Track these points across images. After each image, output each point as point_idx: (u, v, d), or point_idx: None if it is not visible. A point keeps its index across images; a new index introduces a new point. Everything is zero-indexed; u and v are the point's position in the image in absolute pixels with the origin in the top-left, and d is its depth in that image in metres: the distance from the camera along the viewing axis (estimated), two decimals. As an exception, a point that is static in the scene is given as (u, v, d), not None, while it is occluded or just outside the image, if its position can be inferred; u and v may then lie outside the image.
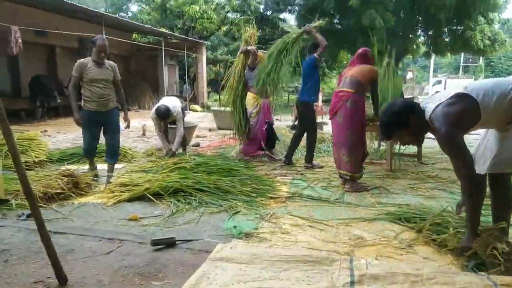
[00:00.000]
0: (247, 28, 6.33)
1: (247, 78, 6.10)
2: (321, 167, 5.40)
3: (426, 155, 6.16)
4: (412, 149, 6.01)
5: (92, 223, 3.25)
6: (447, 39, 21.25)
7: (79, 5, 11.74)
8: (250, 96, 6.08)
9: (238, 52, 6.39)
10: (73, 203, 3.79)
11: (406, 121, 2.43)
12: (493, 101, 2.27)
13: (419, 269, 2.24)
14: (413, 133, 2.49)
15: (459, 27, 20.30)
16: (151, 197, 3.78)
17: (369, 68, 4.48)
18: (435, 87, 36.62)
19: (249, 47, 6.06)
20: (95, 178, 4.51)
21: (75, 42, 13.78)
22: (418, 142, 2.68)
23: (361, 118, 4.38)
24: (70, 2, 11.09)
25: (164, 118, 5.71)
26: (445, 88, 36.34)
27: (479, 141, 2.57)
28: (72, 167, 4.75)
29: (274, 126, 6.36)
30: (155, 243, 2.69)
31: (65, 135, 8.89)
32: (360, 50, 4.68)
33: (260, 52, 6.07)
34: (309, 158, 5.50)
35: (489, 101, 2.28)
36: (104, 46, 4.33)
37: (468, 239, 2.47)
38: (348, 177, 4.30)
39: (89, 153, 4.54)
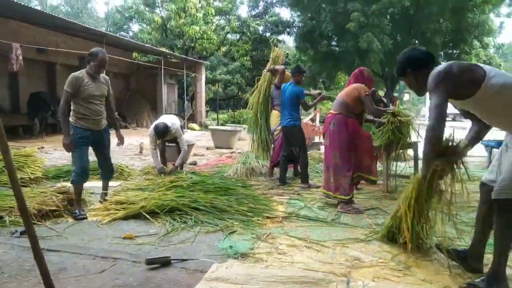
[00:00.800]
0: (275, 48, 6.67)
1: (273, 96, 6.29)
2: (318, 187, 5.38)
3: (423, 176, 6.15)
4: (408, 170, 6.01)
5: (86, 241, 3.21)
6: (443, 62, 21.55)
7: (81, 24, 11.92)
8: (275, 114, 6.21)
9: (265, 71, 6.59)
10: (67, 220, 3.76)
11: (420, 67, 2.55)
12: (499, 84, 2.26)
13: (416, 292, 2.22)
14: (422, 83, 2.55)
15: (455, 51, 20.68)
16: (147, 215, 3.75)
17: (354, 87, 4.49)
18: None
19: (277, 66, 6.32)
20: (82, 215, 3.85)
21: (76, 59, 13.92)
22: (422, 91, 2.67)
23: (346, 139, 4.28)
24: (72, 21, 11.25)
25: (163, 135, 5.73)
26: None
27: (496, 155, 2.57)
28: (68, 184, 4.72)
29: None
30: (149, 262, 2.66)
31: (62, 152, 8.84)
32: (355, 70, 4.75)
33: (287, 71, 6.28)
34: (304, 178, 5.50)
35: (496, 83, 2.26)
36: (105, 61, 4.04)
37: (423, 169, 2.66)
38: (329, 197, 4.41)
39: (84, 175, 3.99)
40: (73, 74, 3.98)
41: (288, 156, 5.77)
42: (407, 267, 2.68)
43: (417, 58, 2.61)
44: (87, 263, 2.72)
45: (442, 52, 20.99)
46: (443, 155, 2.59)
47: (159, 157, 5.98)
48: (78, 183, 3.97)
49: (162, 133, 5.67)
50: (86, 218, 3.81)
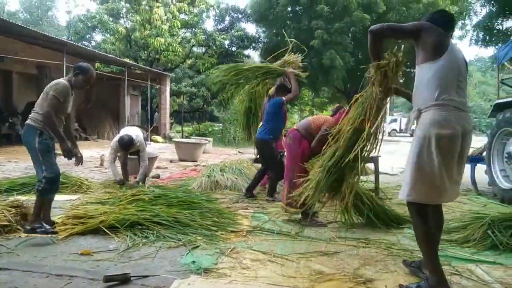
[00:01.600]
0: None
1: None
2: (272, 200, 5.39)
3: (383, 190, 6.33)
4: (370, 184, 6.17)
5: (40, 258, 3.04)
6: (401, 80, 22.50)
7: (41, 32, 11.51)
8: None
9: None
10: (20, 236, 3.55)
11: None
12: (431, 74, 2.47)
13: (378, 304, 2.25)
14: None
15: (412, 70, 21.62)
16: (106, 230, 3.61)
17: (325, 118, 4.49)
18: (391, 125, 38.39)
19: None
20: (52, 230, 3.62)
21: (34, 68, 13.41)
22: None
23: (297, 154, 4.31)
24: (32, 28, 10.86)
25: (127, 148, 5.59)
26: (400, 126, 38.27)
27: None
28: (22, 197, 4.49)
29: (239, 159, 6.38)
30: (107, 279, 2.54)
31: (16, 163, 8.44)
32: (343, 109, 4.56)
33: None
34: (271, 191, 5.51)
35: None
36: (94, 78, 3.94)
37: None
38: (285, 211, 4.44)
39: (57, 182, 3.74)
40: (64, 83, 3.72)
41: (265, 170, 5.73)
42: (369, 279, 2.71)
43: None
44: (39, 282, 2.57)
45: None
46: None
47: (117, 168, 5.84)
48: (49, 192, 3.63)
49: (127, 145, 5.54)
50: (57, 232, 3.56)
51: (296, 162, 4.32)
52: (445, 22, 2.60)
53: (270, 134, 5.47)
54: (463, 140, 2.43)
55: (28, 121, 3.70)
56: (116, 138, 5.75)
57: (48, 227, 3.60)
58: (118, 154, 5.90)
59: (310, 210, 4.32)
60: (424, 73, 2.52)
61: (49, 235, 3.51)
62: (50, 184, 3.61)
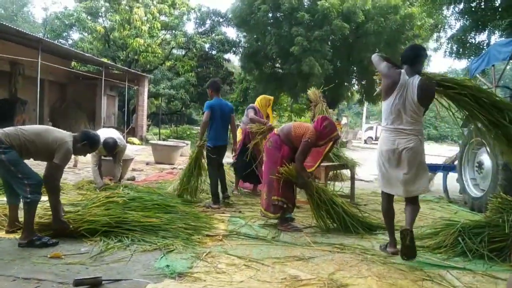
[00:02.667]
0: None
1: (244, 121, 6.40)
2: (215, 208, 5.13)
3: (359, 196, 6.42)
4: (345, 190, 6.24)
5: (7, 261, 2.92)
6: (378, 89, 23.00)
7: (15, 27, 11.17)
8: (238, 132, 6.32)
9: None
10: (-15, 238, 3.41)
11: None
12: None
13: (351, 309, 2.26)
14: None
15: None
16: (78, 233, 3.51)
17: (306, 126, 4.37)
18: (367, 133, 39.12)
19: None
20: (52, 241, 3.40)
21: (7, 65, 13.01)
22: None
23: (278, 158, 4.30)
24: (4, 23, 10.53)
25: (113, 151, 5.47)
26: (376, 134, 38.99)
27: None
28: (-11, 198, 4.33)
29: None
30: (77, 283, 2.47)
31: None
32: (322, 116, 4.60)
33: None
34: (212, 196, 5.39)
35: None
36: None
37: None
38: (263, 215, 4.45)
39: (41, 188, 3.45)
40: (69, 148, 3.46)
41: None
42: (343, 284, 2.74)
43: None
44: (6, 285, 2.47)
45: (378, 80, 22.37)
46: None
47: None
48: (37, 201, 3.32)
49: (113, 149, 5.41)
50: (57, 243, 3.34)
51: (276, 167, 4.31)
52: (410, 58, 3.37)
53: (209, 140, 5.43)
54: (401, 153, 3.31)
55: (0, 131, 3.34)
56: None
57: (46, 238, 3.35)
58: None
59: (288, 215, 4.35)
60: (382, 106, 3.49)
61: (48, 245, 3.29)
62: (37, 192, 3.31)
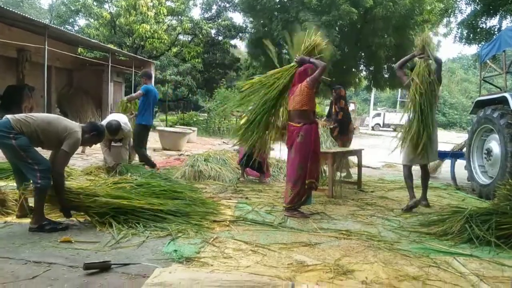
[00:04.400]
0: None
1: None
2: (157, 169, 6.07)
3: (365, 183, 6.41)
4: (353, 176, 6.24)
5: (18, 245, 2.98)
6: (386, 75, 22.74)
7: (21, 13, 11.14)
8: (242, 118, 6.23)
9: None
10: (-4, 222, 3.47)
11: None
12: None
13: (358, 294, 2.28)
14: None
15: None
16: (87, 218, 3.56)
17: (306, 93, 4.25)
18: (374, 119, 38.85)
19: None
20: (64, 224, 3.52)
21: (14, 51, 13.03)
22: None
23: (310, 149, 4.25)
24: (11, 9, 10.51)
25: (116, 133, 5.58)
26: (384, 121, 38.74)
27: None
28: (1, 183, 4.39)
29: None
30: (87, 266, 2.51)
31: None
32: (298, 70, 4.43)
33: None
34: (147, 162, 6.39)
35: None
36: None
37: None
38: (285, 209, 4.32)
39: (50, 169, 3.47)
40: (78, 137, 3.52)
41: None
42: (349, 270, 2.75)
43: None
44: (16, 268, 2.52)
45: (385, 66, 22.12)
46: None
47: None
48: (48, 185, 3.36)
49: (116, 131, 5.51)
50: (67, 228, 3.43)
51: (306, 158, 4.20)
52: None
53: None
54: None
55: (10, 117, 3.36)
56: (103, 124, 5.72)
57: (56, 223, 3.43)
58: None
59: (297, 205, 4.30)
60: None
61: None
62: (47, 177, 3.33)
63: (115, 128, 5.42)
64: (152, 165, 6.35)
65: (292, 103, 4.34)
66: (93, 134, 3.74)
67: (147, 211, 3.72)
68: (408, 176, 4.98)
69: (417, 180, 5.20)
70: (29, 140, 3.35)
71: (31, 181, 3.37)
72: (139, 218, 3.63)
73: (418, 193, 4.93)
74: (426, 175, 4.98)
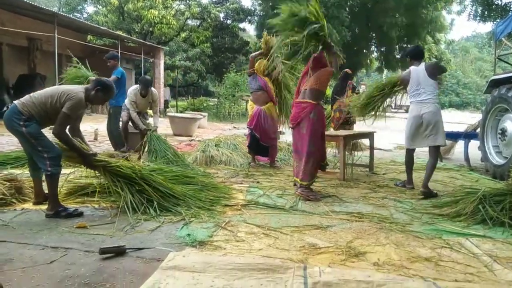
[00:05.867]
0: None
1: (249, 85, 6.40)
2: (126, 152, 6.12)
3: (377, 165, 6.38)
4: (364, 159, 6.21)
5: (35, 231, 3.05)
6: (398, 56, 22.37)
7: (30, 2, 11.18)
8: (250, 104, 6.35)
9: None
10: (15, 209, 3.55)
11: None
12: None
13: (370, 276, 2.29)
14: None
15: (408, 45, 21.46)
16: (103, 203, 3.62)
17: (325, 74, 4.46)
18: (386, 101, 38.31)
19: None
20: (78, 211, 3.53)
21: (24, 40, 13.13)
22: None
23: (322, 129, 4.53)
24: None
25: (149, 85, 6.23)
26: (396, 102, 38.18)
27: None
28: (16, 171, 4.47)
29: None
30: (103, 251, 2.56)
31: (10, 137, 8.35)
32: (314, 55, 4.54)
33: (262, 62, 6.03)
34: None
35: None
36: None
37: None
38: (300, 185, 4.37)
39: (61, 161, 3.49)
40: (80, 97, 3.41)
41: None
42: (361, 252, 2.76)
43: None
44: (35, 253, 2.59)
45: (397, 46, 21.73)
46: None
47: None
48: (57, 173, 3.39)
49: (149, 82, 6.11)
50: (82, 214, 3.47)
51: (318, 137, 4.42)
52: (415, 56, 4.79)
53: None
54: (423, 116, 4.56)
55: (16, 102, 3.39)
56: (133, 87, 6.36)
57: (71, 209, 3.48)
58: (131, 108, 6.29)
59: (310, 183, 4.37)
60: (408, 91, 4.79)
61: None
62: (57, 165, 3.37)
63: (148, 80, 6.03)
64: (123, 145, 6.54)
65: (312, 82, 4.46)
66: (97, 89, 3.54)
67: (161, 196, 3.75)
68: (408, 161, 4.88)
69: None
70: (40, 121, 3.37)
71: (42, 169, 3.42)
72: (153, 203, 3.65)
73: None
74: (432, 161, 4.63)
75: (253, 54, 6.34)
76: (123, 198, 3.57)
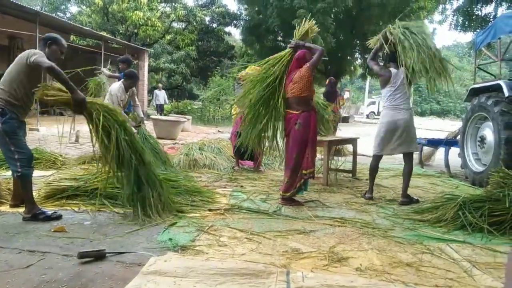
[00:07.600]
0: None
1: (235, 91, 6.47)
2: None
3: (360, 171, 6.43)
4: (347, 164, 6.26)
5: (11, 234, 2.96)
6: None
7: (12, 0, 10.93)
8: (234, 108, 6.26)
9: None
10: (-10, 212, 3.45)
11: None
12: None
13: (352, 281, 2.30)
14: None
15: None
16: (82, 206, 3.55)
17: (304, 77, 4.21)
18: (369, 107, 38.87)
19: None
20: (57, 214, 3.44)
21: (5, 39, 12.84)
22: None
23: (307, 137, 4.20)
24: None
25: (137, 78, 6.24)
26: (378, 109, 38.78)
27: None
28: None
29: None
30: (82, 255, 2.50)
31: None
32: (298, 53, 4.36)
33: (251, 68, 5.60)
34: None
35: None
36: (66, 47, 3.71)
37: None
38: (282, 196, 4.29)
39: (32, 163, 3.42)
40: (41, 52, 3.32)
41: None
42: (344, 257, 2.77)
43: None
44: (11, 257, 2.51)
45: (381, 53, 22.05)
46: None
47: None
48: (29, 174, 3.33)
49: (137, 76, 6.18)
50: (61, 217, 3.39)
51: (303, 147, 4.16)
52: (395, 59, 4.56)
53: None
54: (396, 124, 4.48)
55: None
56: (116, 85, 6.06)
57: (50, 212, 3.39)
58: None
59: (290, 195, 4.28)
60: (382, 92, 4.79)
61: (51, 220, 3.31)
62: (27, 167, 3.30)
63: (135, 74, 6.10)
64: None
65: (291, 90, 4.25)
66: (49, 43, 3.48)
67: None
68: (374, 169, 4.72)
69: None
70: (18, 105, 3.27)
71: (11, 170, 3.33)
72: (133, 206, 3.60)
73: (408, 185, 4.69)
74: (408, 168, 4.54)
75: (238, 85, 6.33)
76: (111, 152, 3.38)
